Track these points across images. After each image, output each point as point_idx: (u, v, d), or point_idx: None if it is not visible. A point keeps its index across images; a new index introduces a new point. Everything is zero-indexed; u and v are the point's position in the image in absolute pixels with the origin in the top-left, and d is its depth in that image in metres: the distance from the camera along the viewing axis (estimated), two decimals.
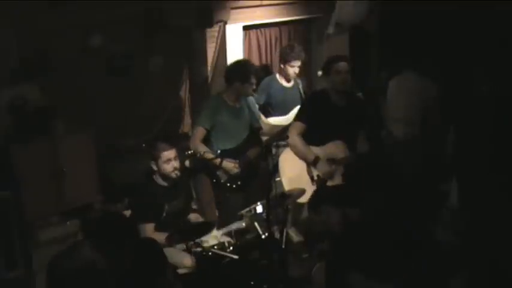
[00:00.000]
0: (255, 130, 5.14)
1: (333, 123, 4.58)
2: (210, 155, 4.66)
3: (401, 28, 5.91)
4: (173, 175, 4.28)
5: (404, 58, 5.37)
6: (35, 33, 4.43)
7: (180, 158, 4.57)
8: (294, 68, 5.43)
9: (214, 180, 4.84)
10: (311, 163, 4.61)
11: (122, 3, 4.77)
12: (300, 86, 5.47)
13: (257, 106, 5.34)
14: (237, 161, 4.80)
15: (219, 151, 4.68)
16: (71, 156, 4.42)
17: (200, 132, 4.84)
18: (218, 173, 4.79)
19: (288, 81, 5.54)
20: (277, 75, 5.60)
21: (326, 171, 4.58)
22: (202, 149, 4.72)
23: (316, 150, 4.65)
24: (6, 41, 4.39)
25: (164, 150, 4.26)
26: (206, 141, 4.85)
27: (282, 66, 5.50)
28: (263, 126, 5.22)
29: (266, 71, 6.02)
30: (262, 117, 5.45)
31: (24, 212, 4.30)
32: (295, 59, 5.40)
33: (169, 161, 4.25)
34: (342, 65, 4.61)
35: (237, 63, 5.03)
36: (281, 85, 5.55)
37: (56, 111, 4.46)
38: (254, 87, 5.03)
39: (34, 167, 4.28)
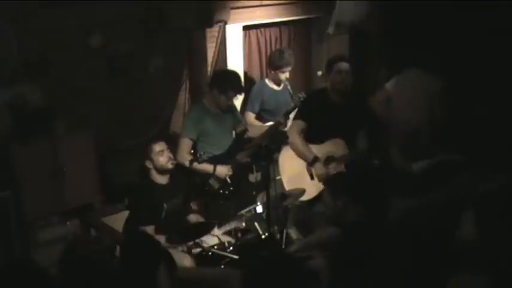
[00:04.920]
0: (238, 134, 5.11)
1: (331, 122, 4.58)
2: (202, 166, 4.62)
3: (402, 27, 5.91)
4: (169, 165, 4.30)
5: (405, 57, 5.38)
6: (35, 33, 4.43)
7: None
8: (285, 74, 5.43)
9: (207, 189, 4.78)
10: (309, 163, 4.61)
11: (122, 3, 4.77)
12: (289, 87, 5.43)
13: (249, 114, 5.35)
14: (229, 165, 4.78)
15: (206, 158, 4.62)
16: (71, 156, 4.42)
17: (186, 144, 4.77)
18: (210, 181, 4.76)
19: (278, 85, 5.53)
20: (267, 80, 5.58)
21: (322, 173, 4.56)
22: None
23: (316, 149, 4.64)
24: (6, 41, 4.39)
25: (154, 143, 4.31)
26: (193, 150, 4.79)
27: (272, 72, 5.49)
28: (258, 131, 5.18)
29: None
30: (257, 122, 5.43)
31: (24, 212, 4.30)
32: (286, 65, 5.39)
33: (162, 152, 4.29)
34: (343, 65, 4.60)
35: (224, 72, 5.03)
36: (272, 90, 5.53)
37: (56, 111, 4.46)
38: (229, 103, 4.90)
39: (34, 166, 4.27)
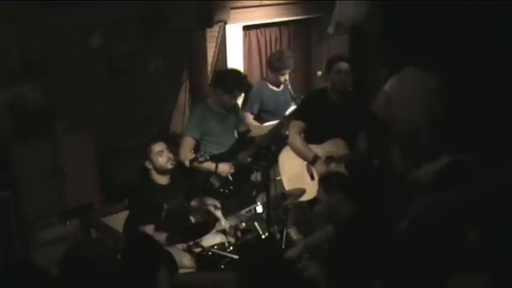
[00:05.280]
0: (240, 134, 5.11)
1: (331, 122, 4.57)
2: (203, 159, 4.60)
3: (402, 27, 5.92)
4: (169, 166, 4.29)
5: (405, 57, 5.38)
6: (35, 33, 4.43)
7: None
8: (284, 76, 5.43)
9: (208, 187, 4.77)
10: (310, 162, 4.60)
11: (121, 3, 4.77)
12: (289, 87, 5.43)
13: (248, 115, 5.35)
14: (232, 163, 4.78)
15: (208, 157, 4.61)
16: (71, 156, 4.42)
17: (189, 142, 4.76)
18: (211, 179, 4.76)
19: (278, 86, 5.53)
20: (267, 81, 5.58)
21: (323, 172, 4.55)
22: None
23: (316, 149, 4.64)
24: (6, 41, 4.39)
25: (153, 144, 4.30)
26: (195, 149, 4.79)
27: (271, 73, 5.49)
28: (257, 131, 5.19)
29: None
30: (255, 123, 5.41)
31: (24, 212, 4.30)
32: (284, 68, 5.40)
33: (161, 153, 4.27)
34: (342, 65, 4.59)
35: (227, 71, 5.02)
36: (272, 90, 5.52)
37: (56, 111, 4.46)
38: (233, 102, 4.90)
39: (34, 167, 4.28)
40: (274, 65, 5.42)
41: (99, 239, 4.22)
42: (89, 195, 4.61)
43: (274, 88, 5.53)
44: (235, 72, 4.97)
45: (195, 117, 4.87)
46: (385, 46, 6.30)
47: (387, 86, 5.27)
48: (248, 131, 5.12)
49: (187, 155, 4.65)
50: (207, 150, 4.70)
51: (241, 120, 5.12)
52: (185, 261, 3.98)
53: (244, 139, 5.10)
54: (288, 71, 5.44)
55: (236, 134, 5.12)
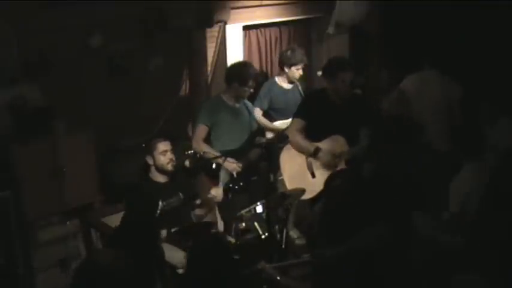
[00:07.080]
0: (253, 132, 5.14)
1: (331, 121, 4.58)
2: (211, 154, 4.65)
3: (402, 27, 5.92)
4: (169, 167, 4.30)
5: (405, 57, 5.38)
6: (35, 33, 4.43)
7: (179, 157, 4.58)
8: (299, 71, 5.42)
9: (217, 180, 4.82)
10: (312, 154, 4.60)
11: (122, 3, 4.77)
12: (300, 88, 5.45)
13: (257, 110, 5.36)
14: (239, 162, 4.79)
15: (216, 154, 4.64)
16: (71, 156, 4.42)
17: (202, 130, 4.86)
18: (221, 173, 4.79)
19: (290, 83, 5.52)
20: (277, 79, 5.56)
21: (328, 161, 4.56)
22: (205, 148, 4.73)
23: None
24: (6, 41, 4.39)
25: (159, 141, 4.32)
26: (207, 142, 4.84)
27: (284, 69, 5.46)
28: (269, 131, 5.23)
29: (264, 75, 5.99)
30: (267, 121, 5.43)
31: (24, 212, 4.30)
32: (299, 62, 5.39)
33: (165, 152, 4.29)
34: (347, 75, 4.60)
35: (238, 65, 5.06)
36: (282, 88, 5.51)
37: (56, 111, 4.46)
38: (252, 90, 5.02)
39: (34, 167, 4.28)
40: (289, 61, 5.38)
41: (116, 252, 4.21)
42: (89, 195, 4.61)
43: (284, 86, 5.50)
44: (243, 64, 5.11)
45: (206, 107, 4.96)
46: (385, 46, 6.30)
47: (403, 85, 5.23)
48: (258, 131, 5.17)
49: (199, 143, 4.76)
50: (217, 144, 4.82)
51: (253, 119, 5.17)
52: (184, 260, 3.97)
53: (255, 138, 5.13)
54: (302, 65, 5.42)
55: (250, 133, 5.14)
